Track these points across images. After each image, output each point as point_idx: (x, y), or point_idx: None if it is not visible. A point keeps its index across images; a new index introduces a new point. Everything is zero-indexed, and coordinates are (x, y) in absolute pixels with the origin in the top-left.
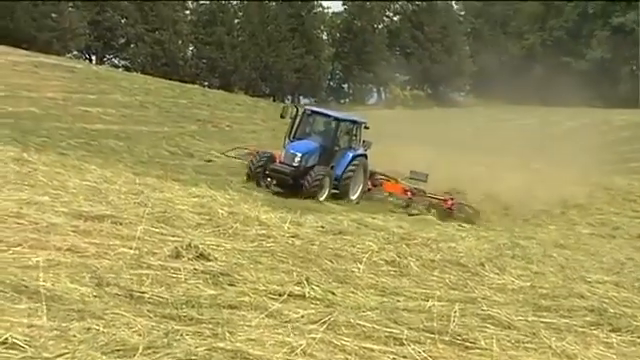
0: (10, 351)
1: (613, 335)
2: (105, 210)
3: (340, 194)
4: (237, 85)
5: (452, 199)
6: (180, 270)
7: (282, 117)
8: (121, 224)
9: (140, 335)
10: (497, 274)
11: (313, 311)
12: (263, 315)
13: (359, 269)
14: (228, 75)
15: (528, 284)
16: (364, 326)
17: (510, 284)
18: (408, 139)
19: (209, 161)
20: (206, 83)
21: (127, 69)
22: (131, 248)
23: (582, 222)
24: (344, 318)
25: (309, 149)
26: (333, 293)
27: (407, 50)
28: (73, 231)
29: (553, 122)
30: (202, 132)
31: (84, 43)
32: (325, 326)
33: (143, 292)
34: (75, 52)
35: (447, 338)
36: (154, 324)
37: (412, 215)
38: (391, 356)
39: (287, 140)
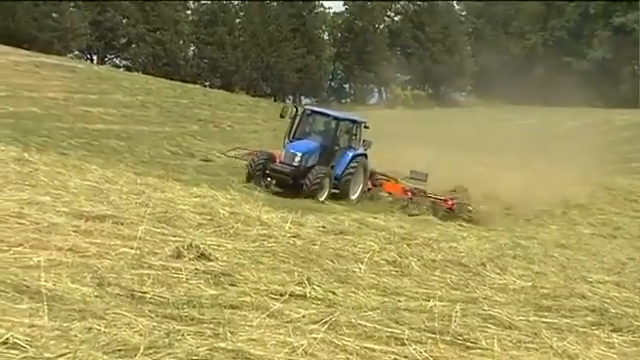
0: (11, 351)
1: (614, 335)
2: (106, 210)
3: (340, 194)
4: (238, 85)
5: (452, 199)
6: (181, 270)
7: (282, 117)
8: (122, 224)
9: (141, 335)
10: (498, 274)
11: (314, 311)
12: (264, 315)
13: (360, 269)
14: (229, 75)
15: (529, 284)
16: (365, 326)
17: (511, 284)
18: (409, 139)
19: (206, 160)
20: (207, 83)
21: (128, 69)
22: (132, 248)
23: (583, 222)
24: (345, 318)
25: (309, 149)
26: (334, 293)
27: (408, 50)
28: (74, 231)
29: (554, 122)
30: (203, 132)
31: (85, 43)
32: (326, 326)
33: (144, 292)
34: (76, 52)
35: (448, 338)
36: (155, 324)
37: (412, 215)
38: (392, 356)
39: (287, 140)
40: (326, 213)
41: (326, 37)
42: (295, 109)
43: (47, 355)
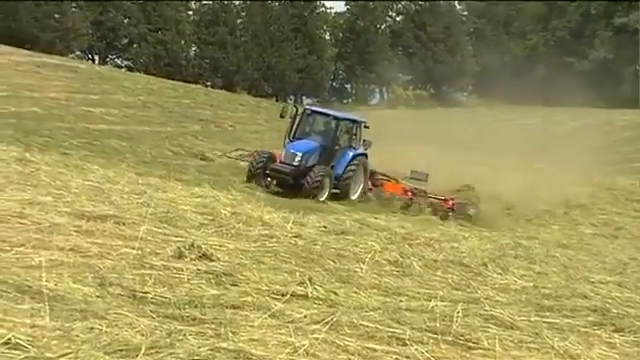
0: (13, 351)
1: (616, 335)
2: (108, 210)
3: (340, 194)
4: (240, 85)
5: (452, 199)
6: (183, 270)
7: (282, 117)
8: (124, 224)
9: (143, 335)
10: (500, 274)
11: (316, 311)
12: (266, 315)
13: (362, 269)
14: (231, 75)
15: (531, 284)
16: (367, 326)
17: (513, 284)
18: (411, 139)
19: (203, 159)
20: (209, 83)
21: (130, 69)
22: (134, 248)
23: (585, 222)
24: (347, 318)
25: (309, 149)
26: (336, 293)
27: (410, 50)
28: (76, 231)
29: (556, 122)
30: (205, 132)
31: (87, 43)
32: (328, 326)
33: (146, 292)
34: (78, 52)
35: (450, 338)
36: (157, 324)
37: (413, 215)
38: (394, 356)
39: (287, 140)
40: (327, 213)
41: (328, 37)
42: (295, 109)
43: (49, 355)
